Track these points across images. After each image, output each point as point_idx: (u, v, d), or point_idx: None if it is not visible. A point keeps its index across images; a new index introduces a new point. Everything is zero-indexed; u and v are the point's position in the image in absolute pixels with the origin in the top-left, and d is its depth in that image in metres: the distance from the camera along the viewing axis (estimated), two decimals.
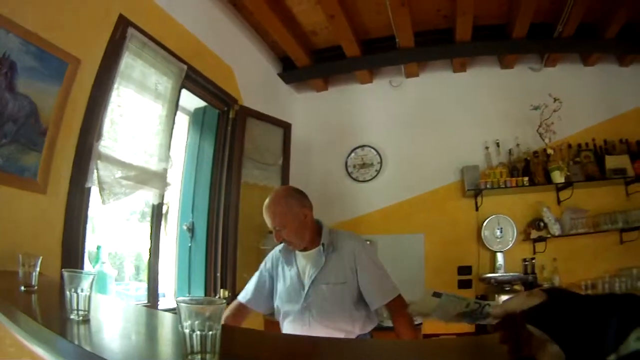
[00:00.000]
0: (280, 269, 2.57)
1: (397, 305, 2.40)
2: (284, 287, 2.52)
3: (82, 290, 1.23)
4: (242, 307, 2.61)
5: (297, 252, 2.53)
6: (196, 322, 0.84)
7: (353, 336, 2.40)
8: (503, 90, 5.35)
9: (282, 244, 2.54)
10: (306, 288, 2.42)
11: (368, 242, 2.70)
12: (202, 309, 0.85)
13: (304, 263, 2.50)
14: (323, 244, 2.44)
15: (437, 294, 0.91)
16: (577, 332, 0.73)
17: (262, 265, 2.68)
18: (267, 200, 2.44)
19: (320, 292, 2.40)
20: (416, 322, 3.15)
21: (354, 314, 2.42)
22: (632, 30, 4.75)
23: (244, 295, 2.63)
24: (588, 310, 0.75)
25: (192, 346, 0.84)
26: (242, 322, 2.61)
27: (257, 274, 2.67)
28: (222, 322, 2.11)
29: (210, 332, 0.85)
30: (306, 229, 2.45)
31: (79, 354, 1.00)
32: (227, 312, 2.60)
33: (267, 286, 2.61)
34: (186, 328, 0.84)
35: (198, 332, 0.84)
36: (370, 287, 2.42)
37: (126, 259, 3.83)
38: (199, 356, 0.84)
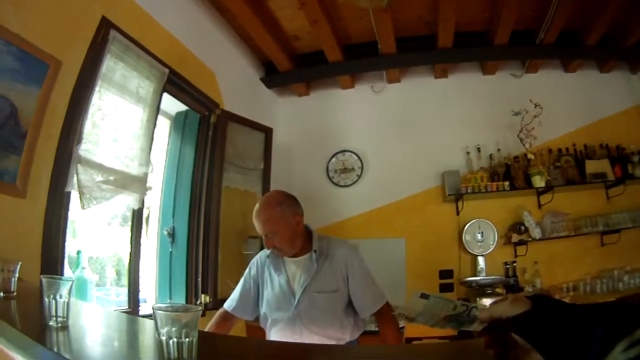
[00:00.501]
0: (267, 274, 2.52)
1: (385, 312, 2.39)
2: (272, 294, 2.46)
3: (60, 297, 1.22)
4: (228, 316, 2.57)
5: (285, 258, 2.47)
6: (173, 329, 0.83)
7: (343, 343, 2.38)
8: (484, 96, 5.40)
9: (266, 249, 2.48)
10: (297, 296, 2.38)
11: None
12: (178, 316, 0.85)
13: (294, 270, 2.45)
14: (315, 251, 2.40)
15: (424, 295, 0.89)
16: (561, 343, 0.73)
17: (246, 272, 2.63)
18: (257, 206, 2.38)
19: (312, 300, 2.37)
20: (400, 326, 3.16)
21: (344, 321, 2.41)
22: (612, 37, 4.83)
23: (229, 304, 2.58)
24: (573, 320, 0.75)
25: (169, 353, 0.84)
26: (230, 330, 2.58)
27: (241, 281, 2.63)
28: (209, 330, 2.09)
29: (187, 339, 0.85)
30: (298, 236, 2.40)
31: None
32: (213, 321, 2.57)
33: (252, 293, 2.56)
34: (163, 335, 0.84)
35: (175, 339, 0.84)
36: (361, 295, 2.41)
37: (107, 263, 3.78)
38: None
